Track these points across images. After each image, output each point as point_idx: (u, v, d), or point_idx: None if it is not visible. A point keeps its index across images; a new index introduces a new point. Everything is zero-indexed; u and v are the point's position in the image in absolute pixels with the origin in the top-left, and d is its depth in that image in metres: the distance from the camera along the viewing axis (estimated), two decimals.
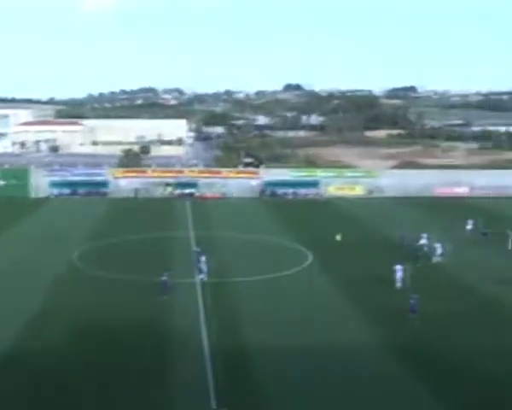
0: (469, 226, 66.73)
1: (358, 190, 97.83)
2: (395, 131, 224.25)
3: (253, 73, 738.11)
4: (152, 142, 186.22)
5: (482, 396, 28.86)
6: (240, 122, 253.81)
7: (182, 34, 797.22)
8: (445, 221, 73.76)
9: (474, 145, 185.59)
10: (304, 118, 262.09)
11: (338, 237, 57.77)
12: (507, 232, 60.56)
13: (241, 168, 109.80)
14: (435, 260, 53.91)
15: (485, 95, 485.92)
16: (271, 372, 31.03)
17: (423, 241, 57.33)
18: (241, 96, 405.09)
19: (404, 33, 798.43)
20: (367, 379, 30.41)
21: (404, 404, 28.26)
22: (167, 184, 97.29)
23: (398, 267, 45.68)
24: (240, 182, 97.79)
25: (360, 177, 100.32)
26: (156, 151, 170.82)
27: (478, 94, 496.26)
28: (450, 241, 56.85)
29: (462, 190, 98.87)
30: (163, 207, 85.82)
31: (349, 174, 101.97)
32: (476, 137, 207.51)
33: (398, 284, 45.08)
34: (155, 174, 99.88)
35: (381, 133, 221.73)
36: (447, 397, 28.64)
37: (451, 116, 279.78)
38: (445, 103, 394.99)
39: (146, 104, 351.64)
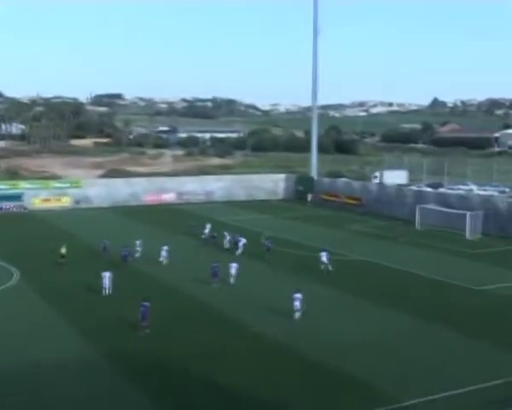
0: (207, 230, 70.01)
1: (66, 202, 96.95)
2: (102, 140, 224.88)
3: None
4: None
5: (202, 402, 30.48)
6: None
7: None
8: (171, 227, 76.72)
9: (181, 152, 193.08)
10: (3, 127, 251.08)
11: (63, 250, 57.17)
12: (224, 234, 65.63)
13: None
14: (163, 261, 57.13)
15: (190, 102, 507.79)
16: None
17: (138, 247, 59.78)
18: None
19: (110, 39, 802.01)
20: (88, 392, 30.84)
21: None
22: None
23: (106, 275, 46.89)
24: None
25: (67, 187, 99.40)
26: None
27: (183, 101, 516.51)
28: (184, 245, 59.92)
29: (169, 197, 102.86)
30: None
31: (55, 185, 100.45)
32: (182, 144, 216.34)
33: (106, 291, 46.37)
34: None
35: (88, 142, 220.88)
36: (167, 404, 29.84)
37: (158, 123, 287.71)
38: (151, 110, 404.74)
39: None
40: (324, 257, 55.74)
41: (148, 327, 38.41)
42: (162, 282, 51.35)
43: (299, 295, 41.39)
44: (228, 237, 64.80)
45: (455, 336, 38.96)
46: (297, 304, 41.13)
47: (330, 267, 55.32)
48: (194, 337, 38.20)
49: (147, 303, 38.83)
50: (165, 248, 58.16)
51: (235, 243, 63.02)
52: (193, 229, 71.51)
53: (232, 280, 50.29)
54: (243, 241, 62.36)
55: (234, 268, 50.70)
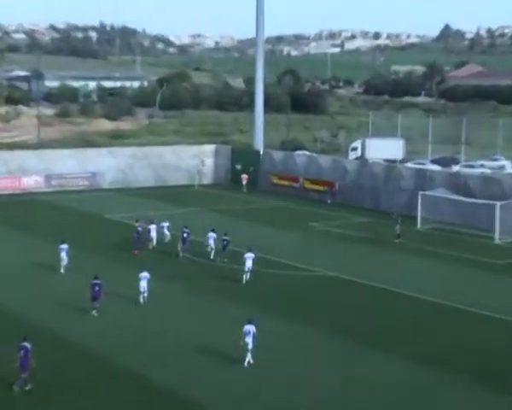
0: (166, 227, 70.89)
1: None
2: None
3: None
4: None
5: None
6: None
7: None
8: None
9: (50, 111, 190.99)
10: None
11: None
12: (139, 229, 67.92)
13: None
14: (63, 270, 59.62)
15: (64, 31, 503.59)
16: None
17: None
18: None
19: None
20: None
21: None
22: None
23: None
24: None
25: None
26: None
27: (52, 29, 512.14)
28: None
29: (32, 182, 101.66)
30: None
31: None
32: (52, 98, 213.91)
33: None
34: None
35: None
36: None
37: (12, 64, 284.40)
38: (0, 44, 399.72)
39: None
40: (250, 260, 57.46)
41: (29, 380, 38.24)
42: (23, 312, 51.17)
43: (251, 328, 41.47)
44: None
45: (482, 394, 39.22)
46: (248, 341, 41.22)
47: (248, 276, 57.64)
48: (77, 401, 38.13)
49: (27, 344, 38.57)
50: (65, 247, 60.04)
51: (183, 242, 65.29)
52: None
53: (142, 299, 51.32)
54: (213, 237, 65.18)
55: (145, 280, 51.35)
